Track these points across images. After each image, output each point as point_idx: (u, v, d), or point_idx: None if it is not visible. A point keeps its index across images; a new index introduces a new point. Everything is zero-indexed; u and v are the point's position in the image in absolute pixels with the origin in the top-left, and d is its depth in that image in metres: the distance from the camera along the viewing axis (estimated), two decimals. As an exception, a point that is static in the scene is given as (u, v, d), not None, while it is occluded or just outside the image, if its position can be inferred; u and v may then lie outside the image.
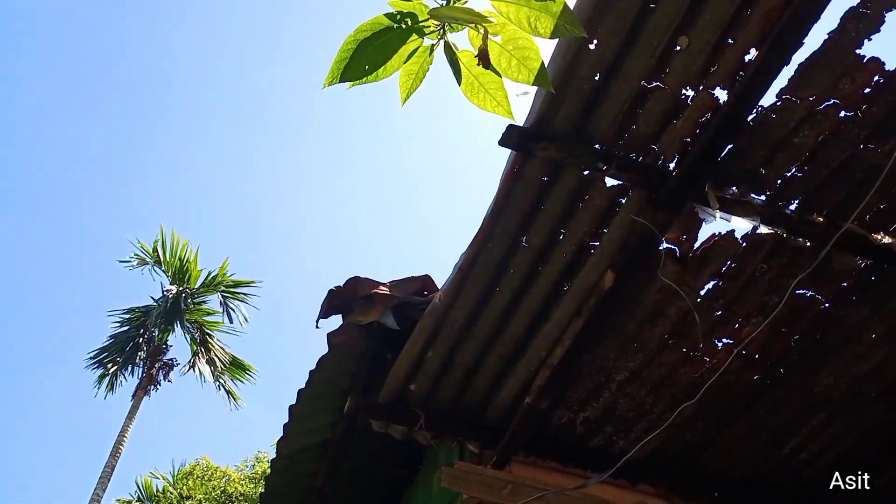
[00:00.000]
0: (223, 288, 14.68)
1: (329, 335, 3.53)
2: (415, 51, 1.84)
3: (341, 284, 3.39)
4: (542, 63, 1.84)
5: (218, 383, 14.60)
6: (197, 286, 14.67)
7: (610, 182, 2.88)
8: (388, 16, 1.76)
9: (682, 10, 2.43)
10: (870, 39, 2.48)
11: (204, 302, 15.00)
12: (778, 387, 3.61)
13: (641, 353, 3.40)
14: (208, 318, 14.86)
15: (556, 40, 2.58)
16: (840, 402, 3.70)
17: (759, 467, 4.04)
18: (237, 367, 14.73)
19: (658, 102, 2.67)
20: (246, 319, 15.08)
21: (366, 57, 1.78)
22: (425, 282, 3.63)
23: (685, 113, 2.68)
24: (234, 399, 14.93)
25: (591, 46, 2.52)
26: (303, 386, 3.73)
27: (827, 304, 3.30)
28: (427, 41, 1.84)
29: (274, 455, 4.26)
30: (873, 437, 3.90)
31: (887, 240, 3.03)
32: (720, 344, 3.38)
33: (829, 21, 2.49)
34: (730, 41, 2.50)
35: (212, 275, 14.65)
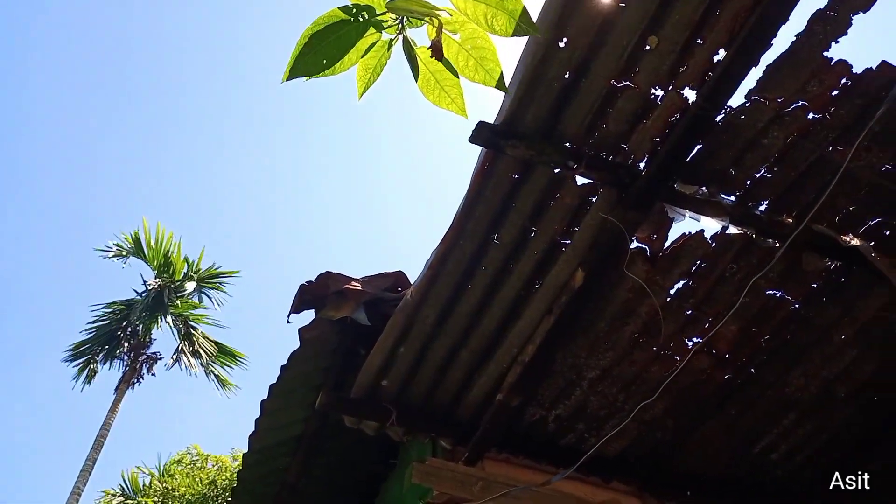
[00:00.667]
0: (202, 279, 14.63)
1: (301, 330, 3.52)
2: (373, 45, 1.84)
3: (313, 279, 3.38)
4: (499, 64, 1.84)
5: (207, 370, 14.54)
6: (180, 278, 14.60)
7: (580, 180, 2.89)
8: (344, 9, 1.75)
9: (651, 9, 2.44)
10: (837, 42, 2.49)
11: (188, 294, 14.93)
12: (749, 386, 3.64)
13: (612, 351, 3.42)
14: (193, 312, 14.81)
15: (526, 39, 2.59)
16: (811, 402, 3.73)
17: (732, 467, 4.07)
18: (225, 353, 14.68)
19: (628, 102, 2.67)
20: (218, 306, 15.06)
21: (323, 51, 1.77)
22: (398, 278, 3.62)
23: (655, 113, 2.69)
24: (226, 386, 14.85)
25: (561, 45, 2.52)
26: (274, 381, 3.72)
27: (797, 305, 3.32)
28: (386, 36, 1.84)
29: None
30: (844, 438, 3.93)
31: (856, 242, 3.05)
32: (690, 343, 3.39)
33: (797, 23, 2.51)
34: (698, 42, 2.51)
35: (192, 265, 14.58)
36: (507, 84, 1.78)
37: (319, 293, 3.42)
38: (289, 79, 1.78)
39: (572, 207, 2.97)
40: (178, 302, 14.46)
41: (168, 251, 14.53)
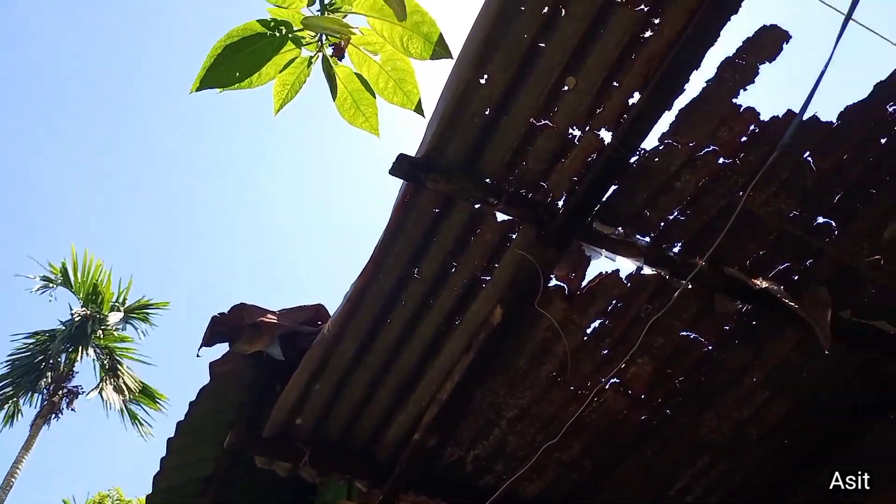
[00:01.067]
0: (130, 310, 13.94)
1: (212, 364, 3.32)
2: (292, 61, 1.77)
3: (226, 311, 3.20)
4: (418, 87, 1.80)
5: (126, 412, 13.72)
6: (108, 309, 13.89)
7: (501, 217, 2.85)
8: (262, 22, 1.67)
9: (569, 50, 2.44)
10: (745, 90, 2.55)
11: (114, 326, 14.20)
12: (665, 427, 3.61)
13: (531, 390, 3.34)
14: (119, 345, 14.06)
15: (449, 72, 2.56)
16: (724, 444, 3.73)
17: (650, 508, 4.02)
18: (147, 395, 13.91)
19: (547, 141, 2.66)
20: (142, 335, 14.34)
21: (237, 63, 1.68)
22: (318, 311, 3.48)
23: (572, 152, 2.68)
24: (143, 429, 14.05)
25: (482, 81, 2.50)
26: (182, 417, 3.49)
27: (710, 347, 3.34)
28: (305, 52, 1.77)
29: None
30: (756, 480, 3.94)
31: (765, 284, 3.10)
32: (607, 383, 3.35)
33: (709, 69, 2.56)
34: (614, 84, 2.53)
35: (121, 296, 13.91)
36: (423, 109, 1.74)
37: (233, 325, 3.24)
38: (199, 89, 1.68)
39: (492, 244, 2.91)
40: (102, 333, 13.71)
41: (97, 280, 13.83)
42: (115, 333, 14.20)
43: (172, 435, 3.57)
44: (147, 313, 14.36)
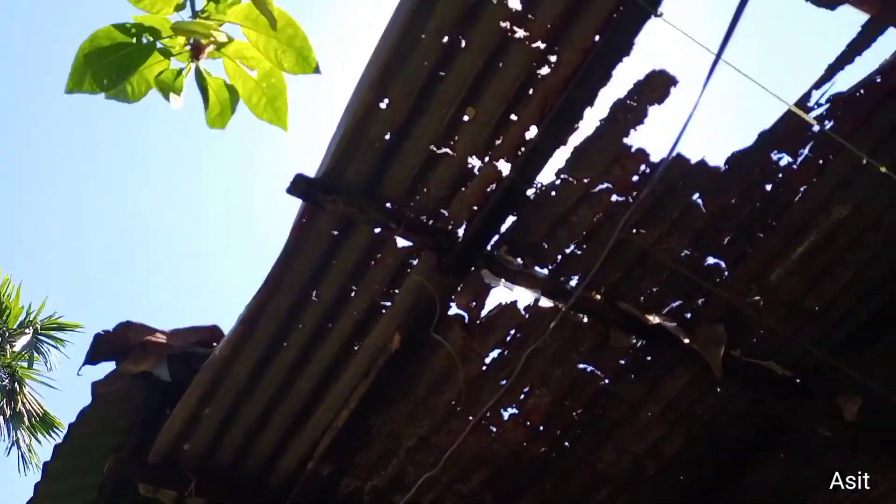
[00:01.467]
0: (41, 329, 13.14)
1: (95, 385, 3.13)
2: (162, 72, 1.71)
3: (111, 329, 3.04)
4: (287, 105, 1.78)
5: (17, 440, 12.77)
6: (14, 327, 13.05)
7: (401, 242, 2.83)
8: (121, 28, 1.60)
9: (469, 80, 2.48)
10: (636, 129, 2.64)
11: (23, 347, 13.34)
12: (564, 460, 3.62)
13: (429, 419, 3.30)
14: (22, 364, 13.20)
15: (351, 94, 2.55)
16: (622, 478, 3.75)
17: (550, 542, 3.99)
18: (46, 423, 12.96)
19: (447, 168, 2.67)
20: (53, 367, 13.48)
21: (103, 70, 1.61)
22: (213, 332, 3.34)
23: (472, 182, 2.70)
24: (32, 460, 12.92)
25: (383, 105, 2.50)
26: (61, 441, 3.27)
27: (607, 381, 3.38)
28: (178, 64, 1.72)
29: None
30: (654, 514, 3.98)
31: (659, 321, 3.17)
32: (506, 414, 3.34)
33: (603, 109, 2.64)
34: (513, 117, 2.57)
35: (31, 313, 13.10)
36: (288, 125, 1.71)
37: (119, 344, 3.08)
38: (70, 92, 1.61)
39: (393, 268, 2.89)
40: (6, 352, 12.85)
41: (3, 294, 13.00)
42: (18, 353, 13.29)
43: (49, 458, 3.34)
44: (58, 337, 13.52)
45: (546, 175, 2.70)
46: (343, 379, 3.11)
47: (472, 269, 2.87)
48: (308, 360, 3.08)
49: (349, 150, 2.56)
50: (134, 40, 1.57)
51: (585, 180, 2.74)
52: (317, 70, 1.59)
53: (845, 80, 2.64)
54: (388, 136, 2.57)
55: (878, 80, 2.71)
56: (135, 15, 1.55)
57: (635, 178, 2.75)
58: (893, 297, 3.44)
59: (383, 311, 2.98)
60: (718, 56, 2.04)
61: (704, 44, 2.19)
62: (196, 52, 1.52)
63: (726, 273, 3.16)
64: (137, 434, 3.42)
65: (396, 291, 2.94)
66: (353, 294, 2.94)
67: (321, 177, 2.60)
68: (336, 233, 2.76)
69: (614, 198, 2.80)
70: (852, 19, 2.55)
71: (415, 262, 2.88)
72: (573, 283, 3.04)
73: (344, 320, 2.99)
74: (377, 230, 2.76)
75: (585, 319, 3.11)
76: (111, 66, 1.61)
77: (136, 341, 3.04)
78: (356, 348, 3.05)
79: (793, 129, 2.70)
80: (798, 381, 3.51)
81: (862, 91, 2.72)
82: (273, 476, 3.42)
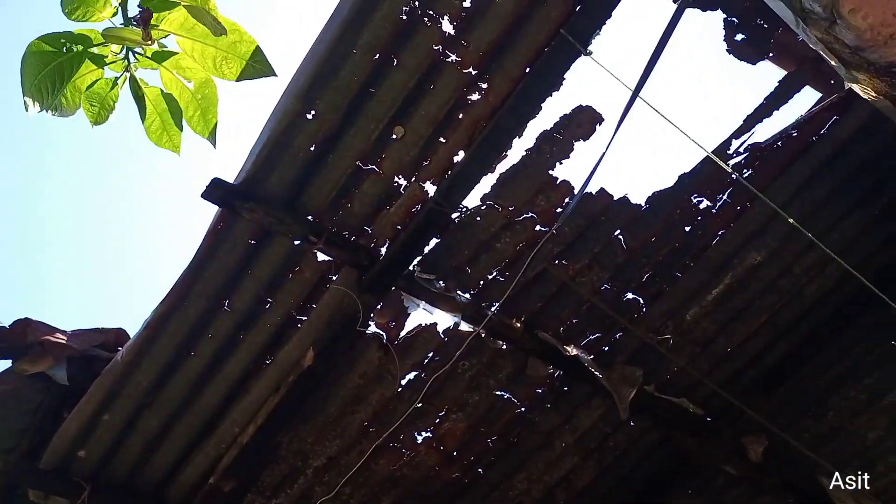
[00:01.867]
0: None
1: (-16, 382, 2.93)
2: (96, 81, 1.66)
3: (7, 325, 2.86)
4: (217, 116, 1.74)
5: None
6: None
7: (321, 256, 2.76)
8: (48, 39, 1.52)
9: (399, 99, 2.45)
10: (561, 163, 2.65)
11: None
12: (477, 486, 3.58)
13: (340, 438, 3.20)
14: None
15: (277, 101, 2.48)
16: (533, 506, 3.73)
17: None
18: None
19: (373, 185, 2.62)
20: None
21: (41, 81, 1.54)
22: (118, 335, 3.18)
23: (398, 201, 2.66)
24: None
25: (309, 116, 2.44)
26: (-58, 441, 3.04)
27: (523, 409, 3.36)
28: (110, 73, 1.67)
29: None
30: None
31: (576, 352, 3.18)
32: (420, 437, 3.29)
33: (530, 139, 2.64)
34: (441, 139, 2.55)
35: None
36: (216, 137, 1.67)
37: (16, 342, 2.89)
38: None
39: (311, 283, 2.81)
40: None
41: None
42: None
43: (-72, 460, 3.10)
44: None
45: (472, 200, 2.69)
46: (252, 393, 2.99)
47: (393, 288, 2.82)
48: (216, 372, 2.95)
49: (271, 158, 2.49)
50: (65, 50, 1.50)
51: (510, 208, 2.73)
52: (270, 72, 1.55)
53: (764, 132, 2.73)
54: (312, 148, 2.51)
55: (794, 133, 2.80)
56: (77, 29, 1.48)
57: (559, 209, 2.76)
58: (800, 343, 3.56)
59: (299, 325, 2.89)
60: (635, 94, 2.07)
61: (631, 84, 2.22)
62: (144, 22, 1.45)
63: (644, 309, 3.20)
64: (31, 437, 3.21)
65: (314, 306, 2.85)
66: (267, 306, 2.84)
67: (240, 183, 2.52)
68: (253, 242, 2.67)
69: (538, 227, 2.79)
70: (777, 74, 2.65)
71: (334, 278, 2.81)
72: (495, 309, 3.01)
73: (256, 333, 2.88)
74: (296, 242, 2.68)
75: (504, 346, 3.08)
76: (47, 77, 1.53)
77: (34, 340, 2.86)
78: (268, 362, 2.95)
79: (712, 174, 2.76)
80: (708, 419, 3.58)
81: (779, 143, 2.81)
82: (173, 489, 3.26)
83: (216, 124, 1.76)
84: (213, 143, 1.77)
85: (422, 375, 3.11)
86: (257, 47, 1.64)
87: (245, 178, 2.51)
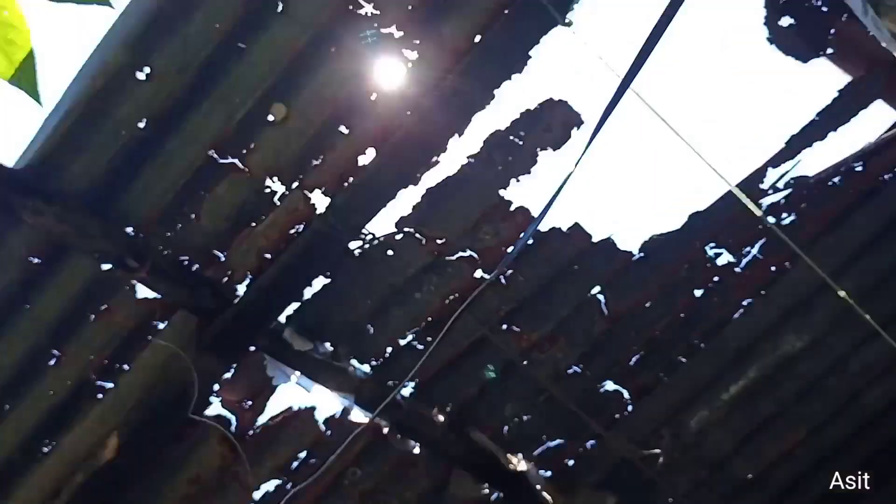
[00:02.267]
0: None
1: None
2: None
3: None
4: (33, 57, 1.68)
5: None
6: None
7: (143, 292, 2.67)
8: None
9: (282, 62, 2.42)
10: (519, 181, 2.67)
11: None
12: None
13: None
14: None
15: (91, 51, 2.42)
16: None
17: None
18: None
19: (232, 189, 2.56)
20: None
21: None
22: None
23: (270, 216, 2.60)
24: None
25: (141, 76, 2.37)
26: None
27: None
28: None
29: None
30: None
31: (524, 466, 3.16)
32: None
33: (477, 143, 2.64)
34: (342, 129, 2.54)
35: None
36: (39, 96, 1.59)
37: None
38: None
39: (123, 331, 2.71)
40: None
41: None
42: None
43: None
44: None
45: (382, 224, 2.65)
46: (16, 499, 2.85)
47: (251, 349, 2.76)
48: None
49: (75, 135, 2.40)
50: None
51: (439, 241, 2.71)
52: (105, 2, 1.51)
53: (814, 162, 2.79)
54: (142, 125, 2.43)
55: (858, 167, 2.87)
56: None
57: (511, 248, 2.75)
58: (855, 470, 3.61)
59: (99, 396, 2.79)
60: (625, 85, 2.10)
61: (622, 71, 2.24)
62: None
63: (629, 408, 3.21)
64: None
65: (125, 368, 2.76)
66: (52, 362, 2.73)
67: (21, 169, 2.42)
68: (36, 261, 2.56)
69: (478, 273, 2.78)
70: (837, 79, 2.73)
71: (160, 326, 2.72)
72: (407, 391, 2.98)
73: (33, 403, 2.76)
74: (105, 266, 2.58)
75: (418, 449, 3.04)
76: None
77: None
78: (45, 451, 2.82)
79: (736, 217, 2.80)
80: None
81: (836, 180, 2.88)
82: None
83: (33, 66, 1.68)
84: (38, 99, 1.70)
85: (287, 486, 3.02)
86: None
87: (31, 161, 2.41)
